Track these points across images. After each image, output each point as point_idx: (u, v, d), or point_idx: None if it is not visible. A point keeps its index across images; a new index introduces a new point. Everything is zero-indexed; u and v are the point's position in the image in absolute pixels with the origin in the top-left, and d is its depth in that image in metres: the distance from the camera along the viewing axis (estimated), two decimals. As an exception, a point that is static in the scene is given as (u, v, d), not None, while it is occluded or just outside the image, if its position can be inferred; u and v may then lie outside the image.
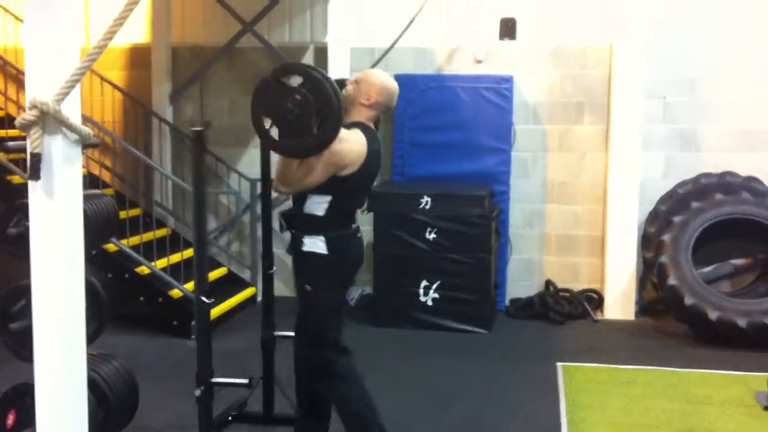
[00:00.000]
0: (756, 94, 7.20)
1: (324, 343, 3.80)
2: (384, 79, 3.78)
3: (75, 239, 2.97)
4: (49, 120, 2.81)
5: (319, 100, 3.29)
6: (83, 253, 3.01)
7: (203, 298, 3.50)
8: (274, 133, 3.48)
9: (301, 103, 3.28)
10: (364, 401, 3.82)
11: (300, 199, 3.68)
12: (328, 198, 3.62)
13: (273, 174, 3.75)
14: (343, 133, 3.50)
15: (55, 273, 2.86)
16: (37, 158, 2.82)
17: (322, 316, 3.80)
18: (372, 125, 3.79)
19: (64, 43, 2.90)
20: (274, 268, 4.60)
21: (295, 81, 3.39)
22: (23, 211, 3.07)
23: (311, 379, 3.91)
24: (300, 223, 3.71)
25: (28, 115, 2.79)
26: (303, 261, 3.72)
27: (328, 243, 3.64)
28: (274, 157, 3.71)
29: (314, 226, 3.66)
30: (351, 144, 3.58)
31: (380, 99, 3.74)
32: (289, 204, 3.99)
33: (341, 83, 3.77)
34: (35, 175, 2.83)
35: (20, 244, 3.31)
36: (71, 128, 2.89)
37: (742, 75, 7.20)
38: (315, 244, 3.64)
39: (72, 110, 2.91)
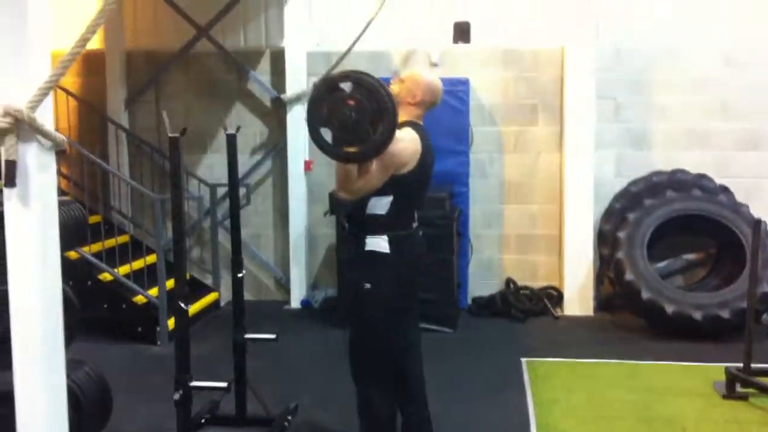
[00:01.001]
0: (703, 94, 7.42)
1: (371, 347, 3.72)
2: (429, 78, 3.81)
3: (51, 245, 2.97)
4: (23, 127, 2.82)
5: (372, 102, 3.32)
6: (59, 259, 3.02)
7: (182, 304, 3.51)
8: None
9: (357, 108, 3.31)
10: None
11: (361, 200, 3.65)
12: (390, 198, 3.63)
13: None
14: (396, 133, 3.51)
15: (33, 279, 2.87)
16: (12, 165, 2.83)
17: (376, 317, 3.69)
18: (421, 122, 3.83)
19: (35, 49, 2.90)
20: (244, 271, 4.63)
21: (346, 88, 3.41)
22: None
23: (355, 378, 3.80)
24: (363, 224, 3.70)
25: (2, 122, 2.79)
26: (363, 259, 3.69)
27: (392, 242, 3.63)
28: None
29: (377, 226, 3.66)
30: (406, 143, 3.61)
31: (426, 97, 3.77)
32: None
33: None
34: (11, 182, 2.84)
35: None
36: (46, 135, 2.90)
37: (690, 75, 7.41)
38: (378, 244, 3.63)
39: (45, 117, 2.92)
